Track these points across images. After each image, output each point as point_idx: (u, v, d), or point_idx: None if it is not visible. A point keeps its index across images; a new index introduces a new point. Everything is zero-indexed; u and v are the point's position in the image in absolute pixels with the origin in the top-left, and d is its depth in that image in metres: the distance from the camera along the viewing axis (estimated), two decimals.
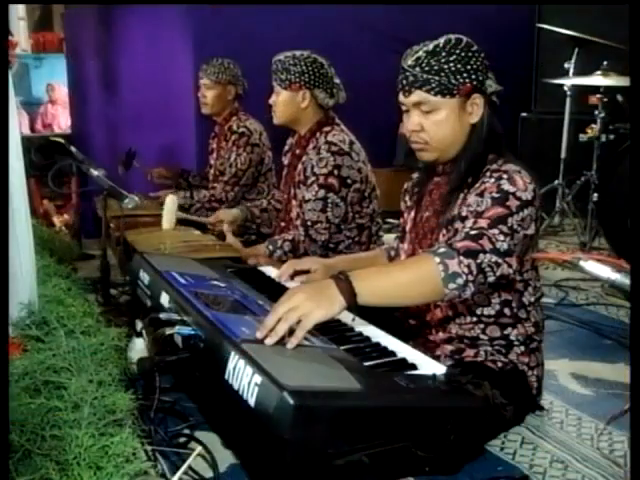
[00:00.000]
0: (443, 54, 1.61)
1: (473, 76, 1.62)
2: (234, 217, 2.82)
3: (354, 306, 1.37)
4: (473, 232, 1.49)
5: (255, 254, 2.40)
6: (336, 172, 2.38)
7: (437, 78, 1.61)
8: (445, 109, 1.64)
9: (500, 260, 1.47)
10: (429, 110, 1.65)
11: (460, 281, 1.42)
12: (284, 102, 2.48)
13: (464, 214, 1.62)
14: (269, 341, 1.29)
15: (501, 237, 1.48)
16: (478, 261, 1.44)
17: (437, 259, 1.43)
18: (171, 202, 2.70)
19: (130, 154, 3.32)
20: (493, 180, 1.59)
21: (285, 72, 2.43)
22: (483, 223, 1.50)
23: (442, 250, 1.46)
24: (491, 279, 1.47)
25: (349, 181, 2.40)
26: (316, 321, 1.31)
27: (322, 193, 2.40)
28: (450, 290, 1.43)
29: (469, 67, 1.61)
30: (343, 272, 1.40)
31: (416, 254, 1.79)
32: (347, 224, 2.49)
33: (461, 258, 1.43)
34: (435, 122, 1.66)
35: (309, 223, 2.42)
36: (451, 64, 1.61)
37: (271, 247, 2.42)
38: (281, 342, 1.31)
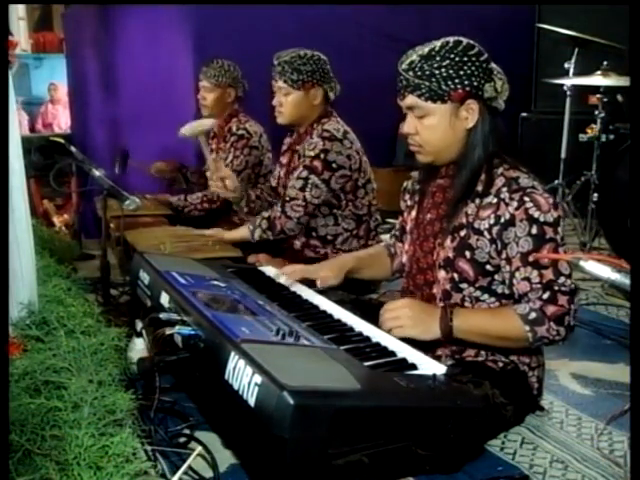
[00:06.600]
0: (437, 59, 1.59)
1: (466, 82, 1.60)
2: (234, 186, 2.67)
3: (446, 339, 1.59)
4: (549, 294, 1.54)
5: (239, 235, 2.53)
6: (322, 156, 2.44)
7: (427, 84, 1.60)
8: (436, 115, 1.63)
9: (577, 299, 1.58)
10: (421, 115, 1.65)
11: (546, 341, 1.58)
12: (295, 102, 2.51)
13: (482, 229, 1.62)
14: None
15: (568, 282, 1.56)
16: (565, 323, 1.55)
17: (527, 327, 1.54)
18: (209, 122, 2.91)
19: (123, 155, 3.30)
20: (516, 204, 1.58)
21: (296, 72, 2.46)
22: (549, 274, 1.56)
23: (533, 316, 1.54)
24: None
25: (334, 165, 2.45)
26: (406, 336, 1.54)
27: (305, 174, 2.47)
28: (536, 345, 1.61)
29: (462, 73, 1.59)
30: (452, 309, 1.59)
31: (417, 256, 1.79)
32: (341, 211, 2.53)
33: (551, 324, 1.54)
34: (427, 127, 1.66)
35: (287, 199, 2.49)
36: (443, 70, 1.59)
37: (251, 227, 2.51)
38: (281, 342, 1.32)
